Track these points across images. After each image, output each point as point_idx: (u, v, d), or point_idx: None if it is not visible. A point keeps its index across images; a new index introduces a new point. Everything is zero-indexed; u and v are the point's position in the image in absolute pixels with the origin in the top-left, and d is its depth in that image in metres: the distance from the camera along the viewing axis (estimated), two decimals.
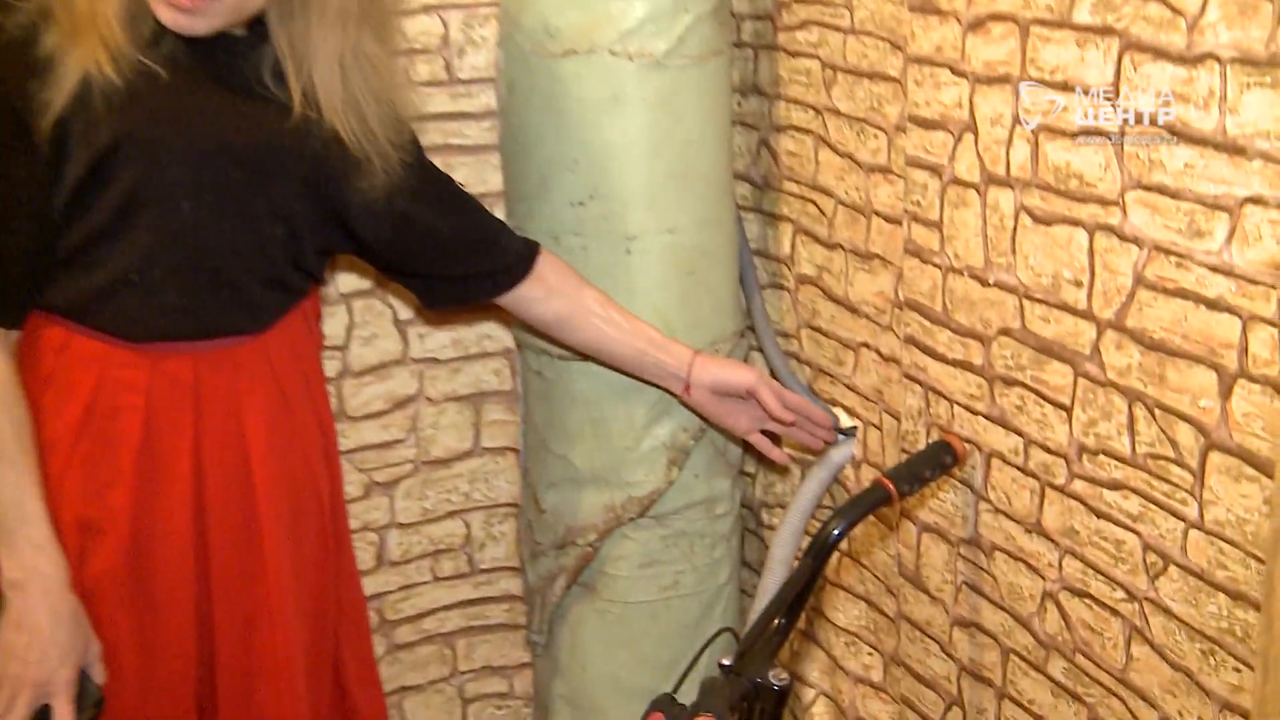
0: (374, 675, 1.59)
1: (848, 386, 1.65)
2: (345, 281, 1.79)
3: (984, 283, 1.32)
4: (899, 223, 1.46)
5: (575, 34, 1.53)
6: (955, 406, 1.41)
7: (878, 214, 1.51)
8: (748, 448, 1.73)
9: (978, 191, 1.30)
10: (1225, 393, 1.03)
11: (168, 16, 1.19)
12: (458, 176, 1.70)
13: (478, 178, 1.78)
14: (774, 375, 1.76)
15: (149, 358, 1.29)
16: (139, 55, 1.20)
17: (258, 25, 1.27)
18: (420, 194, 1.41)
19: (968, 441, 1.39)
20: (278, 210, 1.31)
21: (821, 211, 1.64)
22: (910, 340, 1.47)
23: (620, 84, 1.53)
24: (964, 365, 1.38)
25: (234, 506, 1.35)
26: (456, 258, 1.47)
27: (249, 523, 1.36)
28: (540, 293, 1.50)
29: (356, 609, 1.56)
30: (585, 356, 1.60)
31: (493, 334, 1.88)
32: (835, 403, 1.68)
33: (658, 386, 1.57)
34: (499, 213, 1.76)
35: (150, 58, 1.21)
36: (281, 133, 1.27)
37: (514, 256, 1.49)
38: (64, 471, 1.28)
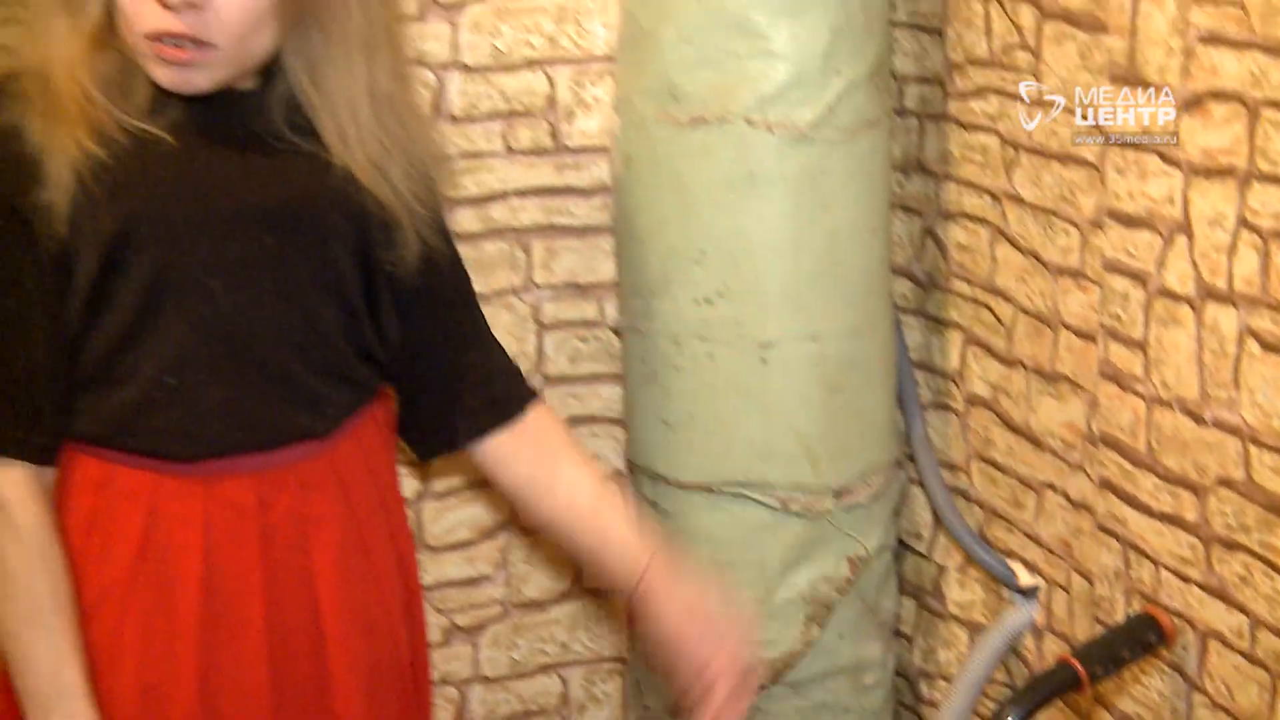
0: None
1: (1027, 535, 1.67)
2: None
3: (1199, 420, 1.34)
4: (1093, 339, 1.48)
5: (705, 98, 1.59)
6: (1162, 571, 1.41)
7: (1067, 326, 1.53)
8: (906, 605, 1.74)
9: (1192, 307, 1.33)
10: None
11: (163, 76, 1.27)
12: (563, 262, 1.75)
13: (586, 265, 1.82)
14: (936, 517, 1.79)
15: (203, 483, 1.36)
16: (135, 125, 1.28)
17: (268, 75, 1.34)
18: (445, 275, 1.45)
19: (1177, 616, 1.39)
20: (327, 283, 1.37)
21: (998, 319, 1.66)
22: (1106, 484, 1.48)
23: (758, 160, 1.59)
24: (1173, 520, 1.39)
25: (303, 660, 1.40)
26: (457, 373, 1.48)
27: (318, 680, 1.40)
28: (526, 450, 1.51)
29: None
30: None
31: (598, 453, 1.91)
32: (1012, 554, 1.70)
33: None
34: (609, 310, 1.85)
35: (151, 126, 1.29)
36: (315, 188, 1.35)
37: (505, 389, 1.52)
38: (118, 629, 1.35)
